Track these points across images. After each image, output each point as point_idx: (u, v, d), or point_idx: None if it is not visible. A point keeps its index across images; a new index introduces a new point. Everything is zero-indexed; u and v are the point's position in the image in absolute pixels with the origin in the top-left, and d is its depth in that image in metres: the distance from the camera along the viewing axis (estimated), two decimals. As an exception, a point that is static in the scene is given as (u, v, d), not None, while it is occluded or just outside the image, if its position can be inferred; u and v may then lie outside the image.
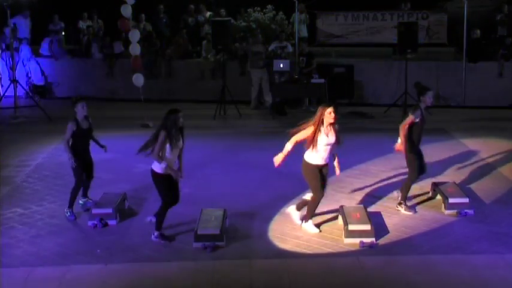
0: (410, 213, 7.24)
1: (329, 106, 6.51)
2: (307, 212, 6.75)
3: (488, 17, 14.78)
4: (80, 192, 7.37)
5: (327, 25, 15.14)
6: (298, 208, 6.90)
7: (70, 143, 7.13)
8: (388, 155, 9.65)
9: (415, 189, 7.86)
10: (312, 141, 6.47)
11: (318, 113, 6.51)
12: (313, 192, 6.68)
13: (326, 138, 6.49)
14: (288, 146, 6.58)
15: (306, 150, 6.60)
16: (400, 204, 7.33)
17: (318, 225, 6.86)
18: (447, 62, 14.10)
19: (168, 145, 6.36)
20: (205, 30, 15.25)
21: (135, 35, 12.13)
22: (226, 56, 13.77)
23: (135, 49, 12.14)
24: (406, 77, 12.57)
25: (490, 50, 13.86)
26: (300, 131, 6.58)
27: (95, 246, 6.43)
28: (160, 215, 6.53)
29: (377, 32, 14.92)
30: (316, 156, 6.56)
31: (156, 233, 6.52)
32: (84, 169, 7.27)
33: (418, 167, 7.30)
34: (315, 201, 6.68)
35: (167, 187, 6.49)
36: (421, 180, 8.31)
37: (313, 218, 6.99)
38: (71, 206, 7.24)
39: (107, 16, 16.55)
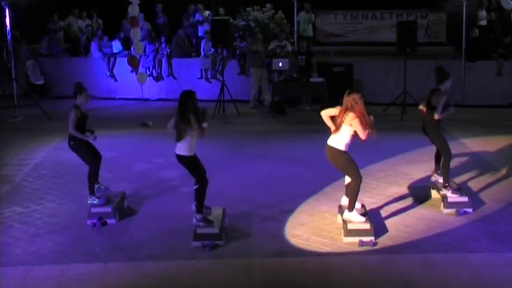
0: (457, 195, 7.15)
1: (358, 92, 6.51)
2: (349, 200, 6.59)
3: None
4: None
5: (326, 24, 15.17)
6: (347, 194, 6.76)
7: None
8: (387, 154, 9.67)
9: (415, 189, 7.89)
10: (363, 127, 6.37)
11: (354, 99, 6.43)
12: (352, 178, 6.54)
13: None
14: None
15: (333, 137, 6.49)
16: (445, 187, 7.29)
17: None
18: (446, 61, 14.08)
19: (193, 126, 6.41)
20: (204, 29, 15.26)
21: (136, 34, 12.12)
22: (225, 55, 13.77)
23: (139, 48, 12.13)
24: (405, 76, 12.57)
25: (489, 49, 13.87)
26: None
27: (94, 245, 6.43)
28: (201, 196, 6.53)
29: (376, 31, 14.94)
30: (346, 142, 6.47)
31: (198, 216, 6.51)
32: (92, 151, 7.30)
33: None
34: (356, 187, 6.51)
35: (200, 166, 6.57)
36: (421, 179, 8.37)
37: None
38: (92, 192, 7.21)
39: (106, 15, 16.58)
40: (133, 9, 12.22)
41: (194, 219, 6.54)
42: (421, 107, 7.57)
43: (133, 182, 8.45)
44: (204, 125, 6.49)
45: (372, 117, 6.52)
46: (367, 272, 5.78)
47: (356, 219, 6.51)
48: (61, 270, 5.86)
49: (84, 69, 15.34)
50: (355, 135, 6.48)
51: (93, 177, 7.27)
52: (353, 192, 6.56)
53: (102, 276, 5.78)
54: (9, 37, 13.14)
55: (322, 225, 6.85)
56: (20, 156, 9.94)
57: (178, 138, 6.46)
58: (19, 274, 5.78)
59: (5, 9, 12.78)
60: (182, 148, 6.50)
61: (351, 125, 6.41)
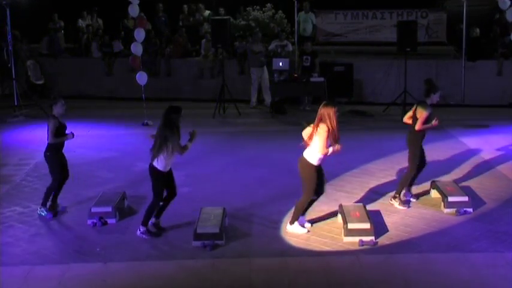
0: (404, 208, 7.27)
1: (334, 106, 6.43)
2: (294, 213, 6.70)
3: (487, 16, 14.79)
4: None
5: (327, 24, 15.16)
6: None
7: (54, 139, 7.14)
8: (387, 153, 9.68)
9: (415, 188, 7.88)
10: (326, 141, 6.36)
11: (328, 113, 6.36)
12: (307, 192, 6.60)
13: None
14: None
15: (306, 148, 6.52)
16: (395, 197, 7.38)
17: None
18: (446, 60, 14.10)
19: (173, 142, 6.37)
20: (204, 29, 15.26)
21: (140, 34, 12.10)
22: (225, 54, 13.77)
23: (138, 48, 12.12)
24: (406, 76, 12.57)
25: (489, 48, 13.87)
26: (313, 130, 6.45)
27: (95, 244, 6.44)
28: (151, 211, 6.58)
29: (376, 30, 14.93)
30: (318, 156, 6.47)
31: (142, 228, 6.57)
32: (62, 169, 7.29)
33: (419, 162, 7.38)
34: (305, 202, 6.64)
35: (164, 184, 6.56)
36: (421, 178, 8.36)
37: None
38: (44, 204, 7.25)
39: (106, 15, 16.57)
40: (133, 9, 12.20)
41: (138, 230, 6.59)
42: (405, 119, 7.59)
43: (134, 181, 8.44)
44: (188, 144, 6.46)
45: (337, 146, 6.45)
46: (367, 272, 5.78)
47: (299, 232, 6.60)
48: (61, 270, 5.86)
49: (85, 69, 15.35)
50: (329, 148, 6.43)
51: (51, 190, 7.26)
52: (299, 207, 6.64)
53: (102, 275, 5.78)
54: (9, 37, 13.14)
55: (322, 225, 6.85)
56: (20, 156, 9.94)
57: (154, 151, 6.39)
58: (19, 274, 5.78)
59: (6, 9, 12.78)
60: (159, 162, 6.44)
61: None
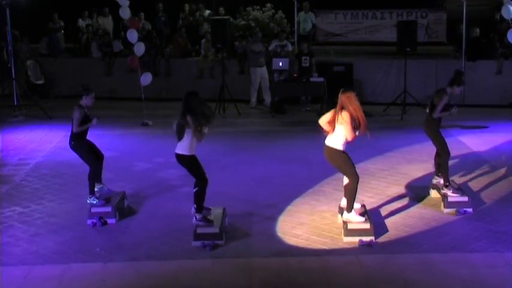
0: (457, 195, 7.18)
1: (353, 90, 6.44)
2: (347, 201, 6.60)
3: (487, 16, 14.79)
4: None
5: (327, 23, 15.17)
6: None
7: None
8: (387, 153, 9.70)
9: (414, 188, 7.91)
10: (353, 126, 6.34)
11: (349, 98, 6.34)
12: (349, 178, 6.54)
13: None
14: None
15: (328, 136, 6.47)
16: (446, 186, 7.32)
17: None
18: (446, 60, 14.10)
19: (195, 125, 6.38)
20: (204, 29, 15.27)
21: (133, 35, 12.13)
22: (225, 54, 13.78)
23: (140, 48, 12.14)
24: (406, 76, 12.58)
25: (489, 48, 13.88)
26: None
27: (95, 244, 6.46)
28: (201, 196, 6.54)
29: (376, 30, 14.95)
30: (343, 141, 6.44)
31: (198, 216, 6.54)
32: (93, 151, 7.34)
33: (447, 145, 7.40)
34: (354, 187, 6.52)
35: (199, 166, 6.57)
36: (421, 178, 8.38)
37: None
38: (92, 192, 7.25)
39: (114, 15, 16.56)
40: (124, 12, 12.25)
41: (194, 218, 6.56)
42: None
43: (134, 181, 8.46)
44: (204, 129, 6.45)
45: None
46: (367, 272, 5.79)
47: (355, 220, 6.53)
48: (61, 270, 5.87)
49: (84, 69, 15.36)
50: (355, 132, 6.42)
51: (93, 177, 7.30)
52: (351, 193, 6.56)
53: (102, 275, 5.79)
54: (9, 37, 13.15)
55: (322, 225, 6.86)
56: (20, 156, 9.95)
57: (178, 137, 6.47)
58: (19, 274, 5.79)
59: (5, 9, 12.78)
60: (181, 147, 6.51)
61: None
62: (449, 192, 7.26)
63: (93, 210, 7.02)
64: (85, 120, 7.17)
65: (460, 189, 7.41)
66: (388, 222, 6.93)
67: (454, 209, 7.13)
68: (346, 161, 6.51)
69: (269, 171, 8.92)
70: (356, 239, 6.35)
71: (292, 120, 12.59)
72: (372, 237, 6.38)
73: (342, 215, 6.73)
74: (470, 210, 7.13)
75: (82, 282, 5.67)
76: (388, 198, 7.67)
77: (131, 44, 12.42)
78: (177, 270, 5.89)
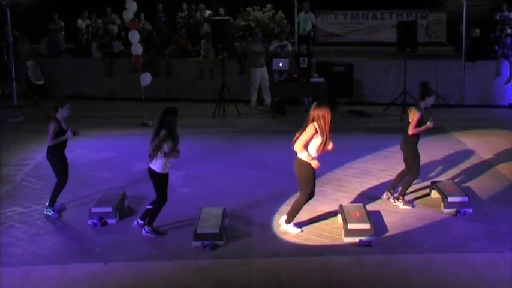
0: (409, 207, 7.30)
1: (327, 106, 6.45)
2: (289, 213, 6.71)
3: (487, 16, 14.81)
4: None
5: (327, 24, 15.18)
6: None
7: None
8: (387, 153, 9.69)
9: (413, 187, 7.90)
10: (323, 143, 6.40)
11: (323, 114, 6.37)
12: (304, 192, 6.61)
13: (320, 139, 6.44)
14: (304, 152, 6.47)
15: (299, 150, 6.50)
16: (398, 199, 7.39)
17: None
18: (446, 60, 14.12)
19: (168, 142, 6.40)
20: (204, 29, 15.28)
21: (135, 36, 12.17)
22: (225, 54, 13.79)
23: (137, 49, 12.17)
24: (405, 76, 12.60)
25: (489, 49, 13.90)
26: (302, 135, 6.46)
27: (95, 245, 6.48)
28: (156, 212, 6.62)
29: (376, 31, 14.96)
30: (314, 154, 6.51)
31: (147, 228, 6.61)
32: (65, 168, 7.33)
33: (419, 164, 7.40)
34: (301, 202, 6.65)
35: (165, 185, 6.60)
36: (421, 178, 8.33)
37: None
38: (51, 204, 7.29)
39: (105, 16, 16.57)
40: (128, 15, 12.31)
41: (143, 230, 6.63)
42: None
43: (134, 182, 8.46)
44: (178, 147, 6.46)
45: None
46: (367, 272, 5.80)
47: (292, 232, 6.62)
48: (61, 270, 5.88)
49: (85, 69, 15.37)
50: (320, 147, 6.45)
51: (58, 190, 7.30)
52: (296, 205, 6.64)
53: (102, 275, 5.80)
54: (9, 37, 13.17)
55: (322, 225, 6.88)
56: (20, 156, 9.98)
57: (150, 151, 6.44)
58: (19, 274, 5.80)
59: (6, 10, 12.79)
60: (155, 163, 6.48)
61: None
62: (400, 205, 7.34)
63: (94, 210, 7.04)
64: (60, 133, 7.14)
65: (412, 202, 7.47)
66: (388, 222, 6.94)
67: (454, 210, 7.15)
68: (309, 177, 6.53)
69: (269, 171, 8.92)
70: (356, 239, 6.37)
71: (292, 121, 12.58)
72: (372, 238, 6.39)
73: (342, 215, 6.75)
74: (470, 210, 7.15)
75: (82, 282, 5.69)
76: (390, 200, 7.58)
77: (131, 44, 12.46)
78: (177, 271, 5.90)
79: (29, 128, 12.04)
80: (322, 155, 6.55)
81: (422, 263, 5.94)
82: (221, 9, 15.24)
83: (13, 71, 13.18)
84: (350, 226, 6.47)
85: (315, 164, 6.43)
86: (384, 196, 7.63)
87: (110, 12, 16.22)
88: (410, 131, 7.27)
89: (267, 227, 6.87)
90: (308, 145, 6.43)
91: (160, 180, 6.55)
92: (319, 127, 6.36)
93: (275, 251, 6.29)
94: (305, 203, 6.67)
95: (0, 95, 14.16)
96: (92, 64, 15.44)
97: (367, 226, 6.45)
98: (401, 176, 7.62)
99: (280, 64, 13.19)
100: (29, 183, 8.57)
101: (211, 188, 8.26)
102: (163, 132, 6.38)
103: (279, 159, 9.48)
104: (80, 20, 16.17)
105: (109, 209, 7.05)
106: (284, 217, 6.78)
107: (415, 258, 6.07)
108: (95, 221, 6.95)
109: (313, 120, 6.39)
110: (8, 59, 13.50)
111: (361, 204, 7.13)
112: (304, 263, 6.00)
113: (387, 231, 6.70)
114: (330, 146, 6.48)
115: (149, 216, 6.65)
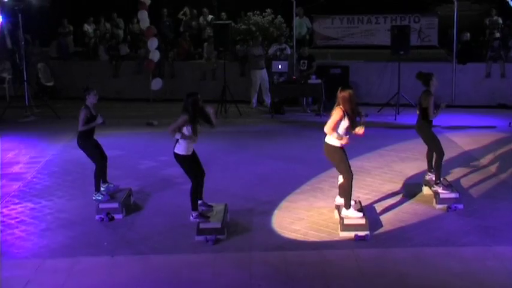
0: (448, 192, 7.33)
1: (350, 88, 6.61)
2: (344, 198, 6.71)
3: (477, 21, 14.98)
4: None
5: (324, 28, 15.32)
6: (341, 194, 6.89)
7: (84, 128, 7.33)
8: (381, 152, 9.81)
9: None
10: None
11: (344, 96, 6.52)
12: (343, 175, 6.68)
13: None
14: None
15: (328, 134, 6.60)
16: (437, 183, 7.46)
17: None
18: (438, 63, 14.21)
19: (188, 126, 6.54)
20: (206, 33, 15.47)
21: (153, 43, 12.44)
22: (227, 57, 13.97)
23: (155, 55, 12.43)
24: (399, 78, 12.75)
25: (479, 52, 14.12)
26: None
27: (102, 239, 6.55)
28: (194, 195, 6.64)
29: (371, 34, 15.11)
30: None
31: (194, 214, 6.63)
32: (99, 150, 7.50)
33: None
34: (349, 184, 6.64)
35: (192, 165, 6.68)
36: (414, 176, 8.52)
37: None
38: (97, 189, 7.40)
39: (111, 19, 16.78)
40: (144, 24, 12.63)
41: (191, 216, 6.67)
42: (418, 111, 7.76)
43: (140, 179, 8.56)
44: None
45: (363, 118, 6.68)
46: (363, 265, 5.87)
47: (353, 215, 6.63)
48: (70, 263, 5.97)
49: (93, 71, 15.50)
50: (349, 130, 6.59)
51: (99, 174, 7.45)
52: (346, 190, 6.69)
53: (109, 268, 5.89)
54: (21, 41, 13.29)
55: (319, 220, 6.94)
56: (31, 154, 10.04)
57: (169, 132, 6.59)
58: (31, 266, 5.89)
59: (18, 14, 12.92)
60: (178, 147, 6.63)
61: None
62: (439, 189, 7.39)
63: (101, 206, 7.12)
64: (90, 119, 7.33)
65: (451, 186, 7.55)
66: (383, 217, 7.01)
67: (446, 205, 7.24)
68: (342, 158, 6.65)
69: (268, 169, 8.99)
70: (352, 234, 6.43)
71: (291, 120, 12.72)
72: (367, 232, 6.45)
73: (338, 212, 6.84)
74: (460, 206, 7.25)
75: (90, 275, 5.75)
76: (383, 195, 7.76)
77: (137, 48, 12.69)
78: (180, 264, 5.96)
79: (40, 127, 12.16)
80: (350, 142, 6.57)
81: (415, 256, 5.99)
82: (223, 13, 15.41)
83: (24, 73, 13.30)
84: (346, 221, 6.51)
85: (344, 141, 6.50)
86: (427, 177, 7.78)
87: (115, 17, 16.42)
88: (431, 116, 7.44)
89: (266, 222, 6.92)
90: (337, 128, 6.51)
91: (185, 162, 6.62)
92: (344, 110, 6.50)
93: (275, 245, 6.32)
94: (351, 182, 6.65)
95: (12, 96, 14.32)
96: (99, 66, 15.57)
97: (362, 221, 6.51)
98: (428, 155, 7.80)
99: (280, 66, 13.41)
100: (39, 180, 8.66)
101: (214, 184, 8.17)
102: (183, 117, 6.49)
103: (278, 157, 9.62)
104: (86, 25, 16.32)
105: (116, 205, 7.13)
106: (340, 200, 6.80)
107: (408, 251, 6.11)
108: (102, 216, 7.03)
109: (338, 104, 6.54)
110: (20, 61, 13.64)
111: (356, 200, 7.11)
112: (303, 257, 6.03)
113: (381, 226, 6.75)
114: (361, 131, 6.57)
115: (191, 201, 6.64)
